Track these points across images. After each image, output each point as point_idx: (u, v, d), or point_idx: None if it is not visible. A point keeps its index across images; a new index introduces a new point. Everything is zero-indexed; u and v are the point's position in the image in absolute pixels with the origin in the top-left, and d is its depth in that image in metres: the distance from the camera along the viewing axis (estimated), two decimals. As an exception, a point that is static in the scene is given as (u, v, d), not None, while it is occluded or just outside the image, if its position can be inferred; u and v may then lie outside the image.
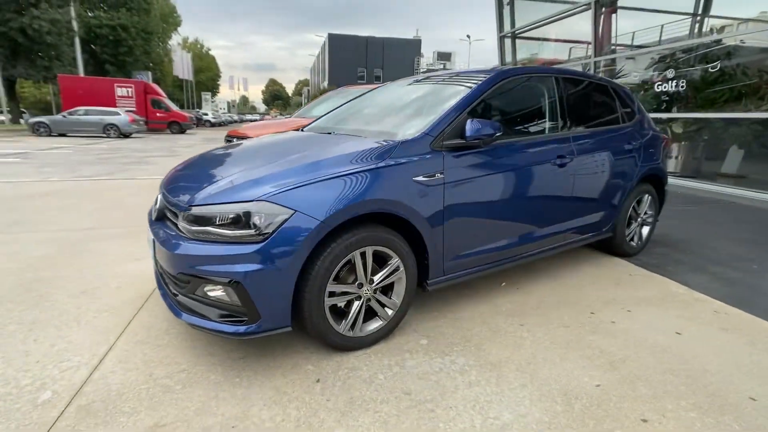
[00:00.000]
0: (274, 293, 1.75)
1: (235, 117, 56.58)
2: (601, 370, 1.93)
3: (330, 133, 2.68)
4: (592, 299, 2.71)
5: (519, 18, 12.22)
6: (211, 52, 77.46)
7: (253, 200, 1.74)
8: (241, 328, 1.76)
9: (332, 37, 58.90)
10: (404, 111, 2.68)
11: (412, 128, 2.28)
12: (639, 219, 3.52)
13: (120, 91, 23.78)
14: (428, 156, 2.12)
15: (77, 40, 26.54)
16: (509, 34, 12.75)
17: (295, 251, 1.73)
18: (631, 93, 3.56)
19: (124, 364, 1.90)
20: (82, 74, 26.79)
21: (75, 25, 25.87)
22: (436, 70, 4.58)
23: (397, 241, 2.03)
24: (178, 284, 1.86)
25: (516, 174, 2.48)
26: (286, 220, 1.72)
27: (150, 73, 36.93)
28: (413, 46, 62.74)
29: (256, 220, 1.71)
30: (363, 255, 1.95)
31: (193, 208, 1.80)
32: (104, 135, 18.21)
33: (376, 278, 2.03)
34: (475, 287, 2.84)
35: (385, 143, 2.11)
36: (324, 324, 1.90)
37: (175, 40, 56.02)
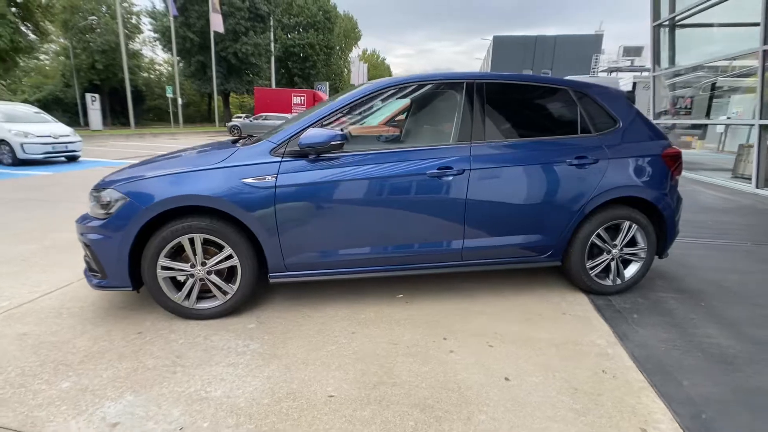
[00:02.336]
0: (113, 259, 2.31)
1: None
2: (349, 383, 1.89)
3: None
4: (469, 326, 2.47)
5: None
6: (386, 62, 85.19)
7: (108, 188, 2.34)
8: (95, 281, 2.39)
9: (497, 39, 57.50)
10: (297, 119, 2.86)
11: (277, 136, 2.54)
12: (614, 252, 2.87)
13: (295, 99, 28.46)
14: (263, 162, 2.37)
15: (272, 59, 32.85)
16: (666, 22, 10.65)
17: (125, 228, 2.26)
18: (618, 96, 2.92)
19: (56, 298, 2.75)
20: (274, 87, 33.03)
21: (272, 46, 32.11)
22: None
23: (229, 232, 2.36)
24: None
25: (370, 183, 2.45)
26: (122, 205, 2.27)
27: (328, 84, 42.84)
28: (591, 42, 56.23)
29: (105, 201, 2.31)
30: (192, 240, 2.35)
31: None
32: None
33: (210, 262, 2.41)
34: (369, 292, 2.88)
35: (229, 149, 2.46)
36: (159, 291, 2.38)
37: (355, 53, 63.32)
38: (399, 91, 2.69)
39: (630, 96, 2.98)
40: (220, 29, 24.88)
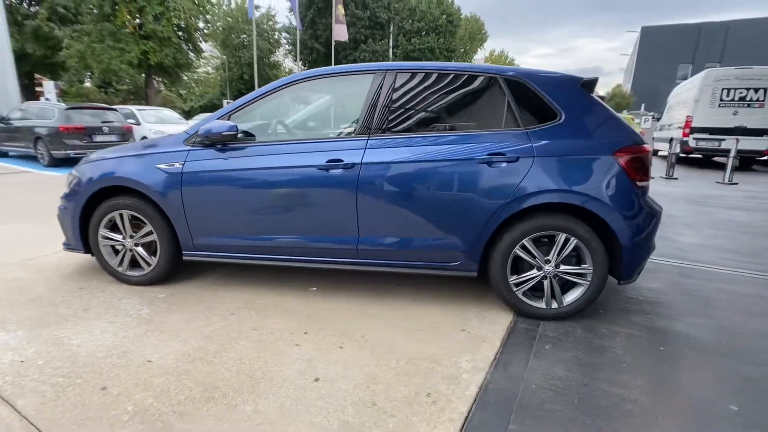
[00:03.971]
0: (68, 225, 2.87)
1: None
2: (176, 355, 2.03)
3: None
4: (346, 325, 2.39)
5: None
6: (515, 62, 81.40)
7: (72, 170, 2.91)
8: (64, 243, 2.99)
9: (646, 31, 49.75)
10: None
11: (192, 128, 2.80)
12: (547, 269, 2.43)
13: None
14: (176, 150, 2.66)
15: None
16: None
17: (74, 200, 2.79)
18: (567, 84, 2.45)
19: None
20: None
21: (391, 52, 33.42)
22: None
23: (149, 211, 2.72)
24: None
25: (265, 174, 2.54)
26: (73, 181, 2.81)
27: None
28: (783, 26, 44.89)
29: (68, 178, 2.87)
30: (122, 216, 2.77)
31: None
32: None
33: (137, 236, 2.80)
34: (287, 282, 2.98)
35: (162, 139, 2.81)
36: (100, 256, 2.87)
37: (480, 55, 61.98)
38: (309, 83, 2.71)
39: (588, 83, 2.47)
40: (343, 38, 26.95)
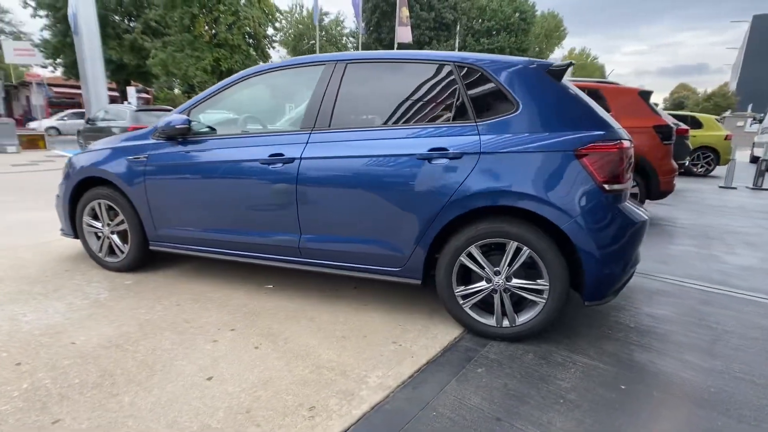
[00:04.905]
0: (60, 211, 3.13)
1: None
2: (98, 338, 2.08)
3: None
4: (276, 325, 2.31)
5: None
6: (597, 61, 75.70)
7: (69, 159, 3.16)
8: (60, 230, 3.26)
9: (757, 20, 43.30)
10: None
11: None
12: (497, 282, 2.13)
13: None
14: (143, 143, 2.77)
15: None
16: None
17: (64, 188, 3.03)
18: (531, 72, 2.13)
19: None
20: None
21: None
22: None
23: (122, 201, 2.87)
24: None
25: (214, 167, 2.55)
26: (65, 171, 3.05)
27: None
28: None
29: (63, 168, 3.13)
30: (100, 205, 2.95)
31: None
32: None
33: (112, 224, 2.97)
34: (246, 275, 2.97)
35: (135, 132, 2.94)
36: (85, 242, 3.09)
37: (558, 53, 58.61)
38: (263, 77, 2.67)
39: (557, 71, 2.13)
40: (407, 40, 27.00)
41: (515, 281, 2.12)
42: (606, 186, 1.97)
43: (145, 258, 3.01)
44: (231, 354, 2.04)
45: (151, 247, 2.92)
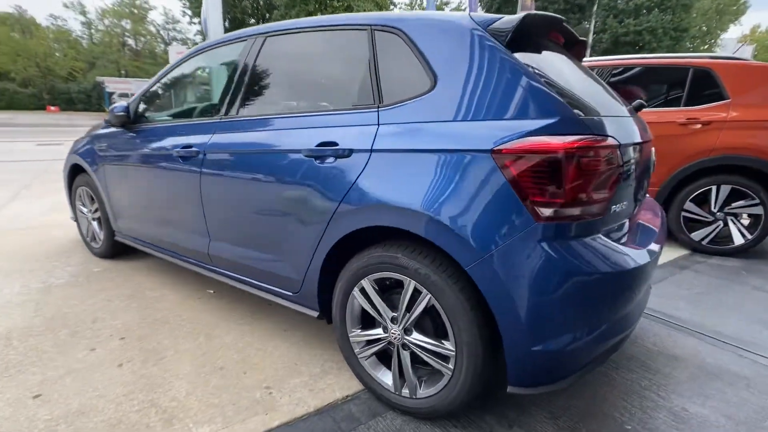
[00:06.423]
0: (66, 197, 3.35)
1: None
2: (26, 320, 2.07)
3: None
4: (215, 329, 2.04)
5: None
6: (794, 38, 59.44)
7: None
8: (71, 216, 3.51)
9: None
10: None
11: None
12: (394, 333, 1.50)
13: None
14: (109, 131, 2.74)
15: (587, 52, 29.71)
16: None
17: (64, 175, 3.23)
18: (463, 32, 1.42)
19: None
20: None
21: (590, 37, 28.93)
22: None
23: (95, 189, 2.92)
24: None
25: (144, 159, 2.37)
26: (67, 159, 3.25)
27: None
28: None
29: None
30: (84, 192, 3.06)
31: None
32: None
33: (92, 211, 3.05)
34: (182, 277, 2.77)
35: None
36: (78, 228, 3.26)
37: (733, 33, 47.98)
38: (195, 60, 2.36)
39: (504, 32, 1.37)
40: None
41: (416, 336, 1.47)
42: (542, 210, 1.19)
43: (118, 246, 3.02)
44: (88, 368, 1.82)
45: (116, 238, 2.91)
